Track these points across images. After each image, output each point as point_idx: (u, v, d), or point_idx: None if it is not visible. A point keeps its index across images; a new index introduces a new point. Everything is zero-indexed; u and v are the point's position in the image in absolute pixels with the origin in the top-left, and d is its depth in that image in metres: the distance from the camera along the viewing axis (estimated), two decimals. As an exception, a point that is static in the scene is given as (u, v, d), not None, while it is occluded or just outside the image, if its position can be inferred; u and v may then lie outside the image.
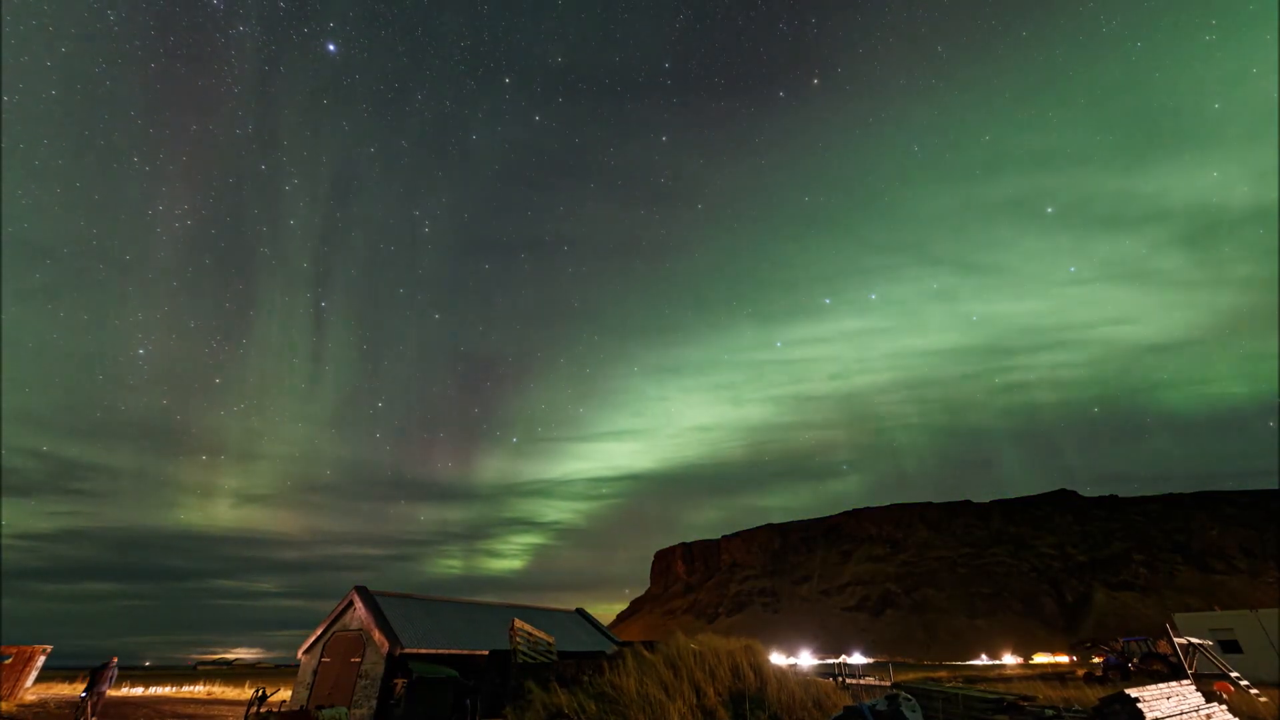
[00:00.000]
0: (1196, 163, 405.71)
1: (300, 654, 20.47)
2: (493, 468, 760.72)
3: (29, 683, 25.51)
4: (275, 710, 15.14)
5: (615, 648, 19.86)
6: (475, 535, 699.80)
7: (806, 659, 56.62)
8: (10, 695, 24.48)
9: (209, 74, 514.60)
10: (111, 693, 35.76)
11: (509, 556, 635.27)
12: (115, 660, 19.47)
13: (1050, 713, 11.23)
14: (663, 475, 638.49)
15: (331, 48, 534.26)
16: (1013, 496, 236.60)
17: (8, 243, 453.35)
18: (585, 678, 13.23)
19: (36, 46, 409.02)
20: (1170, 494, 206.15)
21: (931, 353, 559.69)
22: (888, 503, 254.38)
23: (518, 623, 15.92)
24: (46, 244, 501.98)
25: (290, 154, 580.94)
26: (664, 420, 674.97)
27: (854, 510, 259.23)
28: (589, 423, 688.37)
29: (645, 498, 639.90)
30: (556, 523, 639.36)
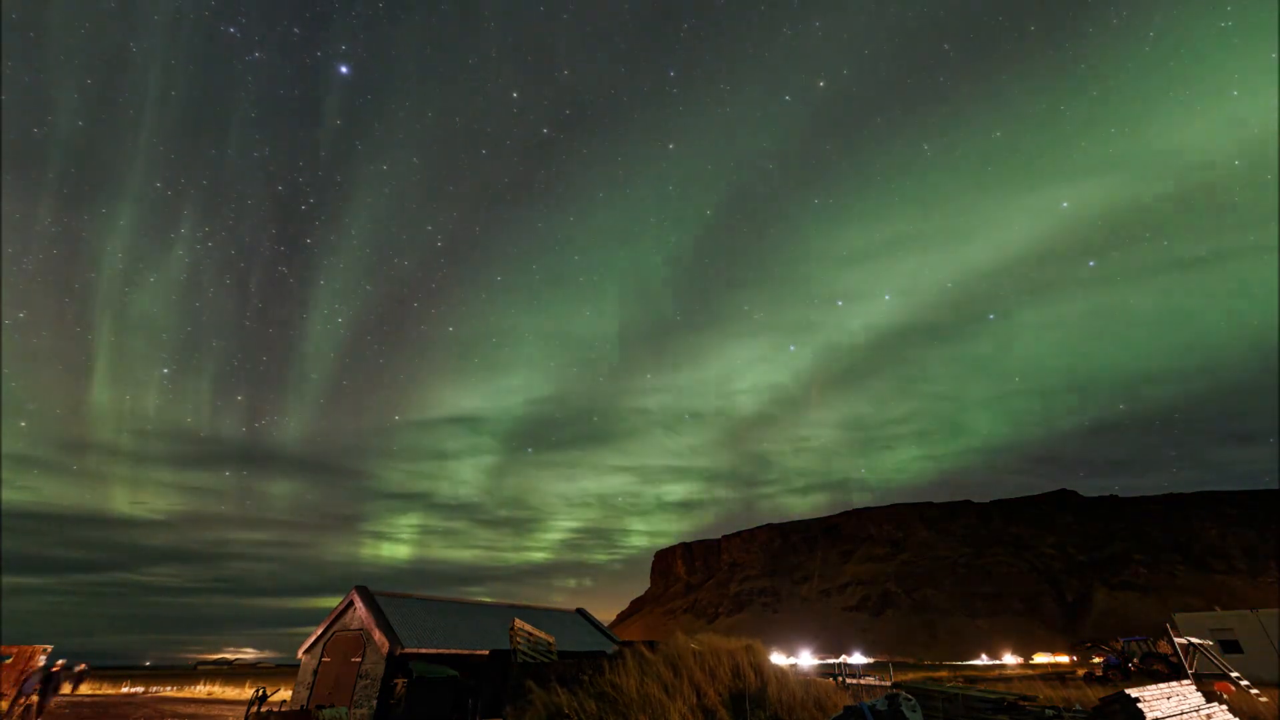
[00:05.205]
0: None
1: (301, 654, 20.49)
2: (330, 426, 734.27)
3: (29, 682, 25.50)
4: (275, 710, 15.14)
5: (616, 647, 19.87)
6: (357, 516, 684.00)
7: (807, 659, 56.66)
8: (11, 694, 24.48)
9: (227, 99, 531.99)
10: (111, 690, 35.78)
11: (399, 540, 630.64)
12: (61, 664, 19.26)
13: (1050, 713, 11.23)
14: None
15: (344, 70, 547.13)
16: (1013, 496, 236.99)
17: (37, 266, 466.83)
18: (586, 677, 13.23)
19: (64, 79, 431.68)
20: (1170, 494, 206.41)
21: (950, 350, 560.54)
22: (888, 503, 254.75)
23: (518, 622, 15.93)
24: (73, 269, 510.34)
25: (305, 174, 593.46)
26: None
27: (854, 510, 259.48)
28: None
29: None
30: (440, 496, 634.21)
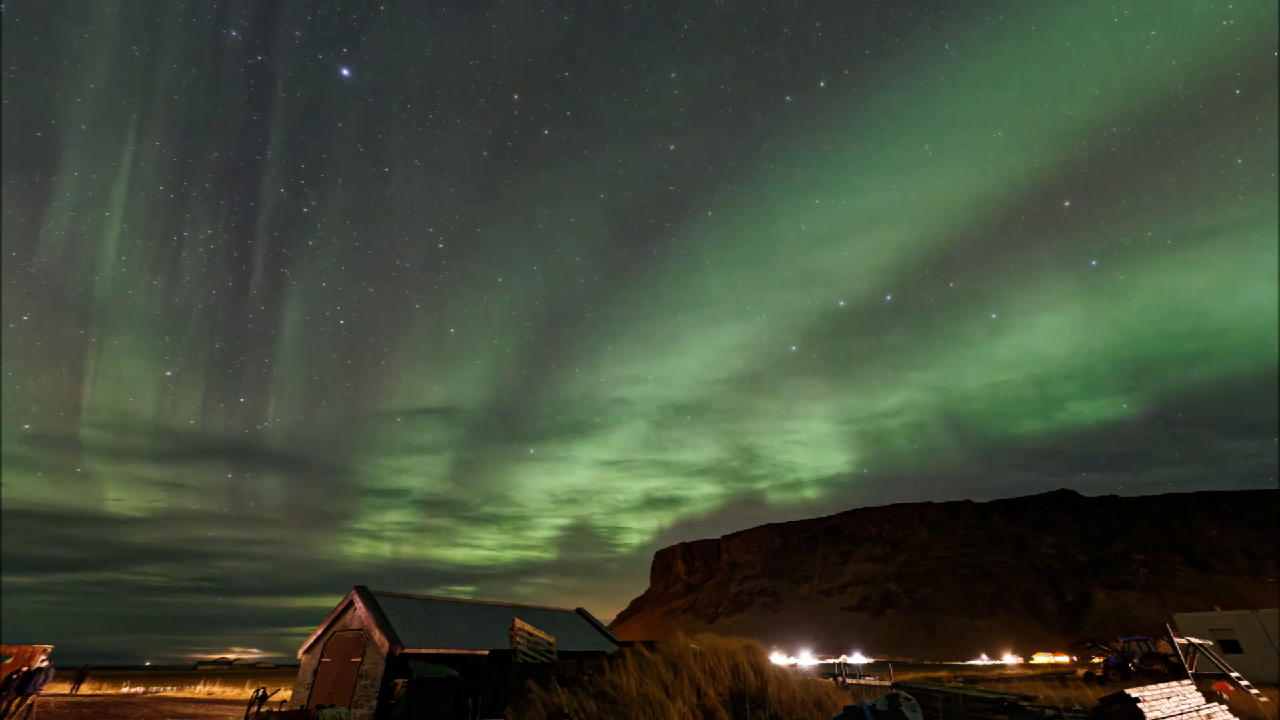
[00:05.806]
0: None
1: (300, 654, 20.49)
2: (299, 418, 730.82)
3: (29, 682, 25.49)
4: (275, 710, 15.13)
5: (616, 647, 19.87)
6: (340, 514, 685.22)
7: (807, 659, 56.66)
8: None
9: (230, 103, 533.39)
10: (111, 690, 35.79)
11: (382, 538, 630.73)
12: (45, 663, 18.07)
13: (1050, 713, 11.23)
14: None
15: (345, 73, 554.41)
16: (1012, 496, 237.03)
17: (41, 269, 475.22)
18: (586, 677, 13.24)
19: (68, 84, 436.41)
20: (1170, 494, 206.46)
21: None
22: (888, 503, 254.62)
23: (518, 622, 15.94)
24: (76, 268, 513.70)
25: (308, 177, 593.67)
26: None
27: (854, 510, 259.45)
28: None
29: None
30: (427, 492, 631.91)
